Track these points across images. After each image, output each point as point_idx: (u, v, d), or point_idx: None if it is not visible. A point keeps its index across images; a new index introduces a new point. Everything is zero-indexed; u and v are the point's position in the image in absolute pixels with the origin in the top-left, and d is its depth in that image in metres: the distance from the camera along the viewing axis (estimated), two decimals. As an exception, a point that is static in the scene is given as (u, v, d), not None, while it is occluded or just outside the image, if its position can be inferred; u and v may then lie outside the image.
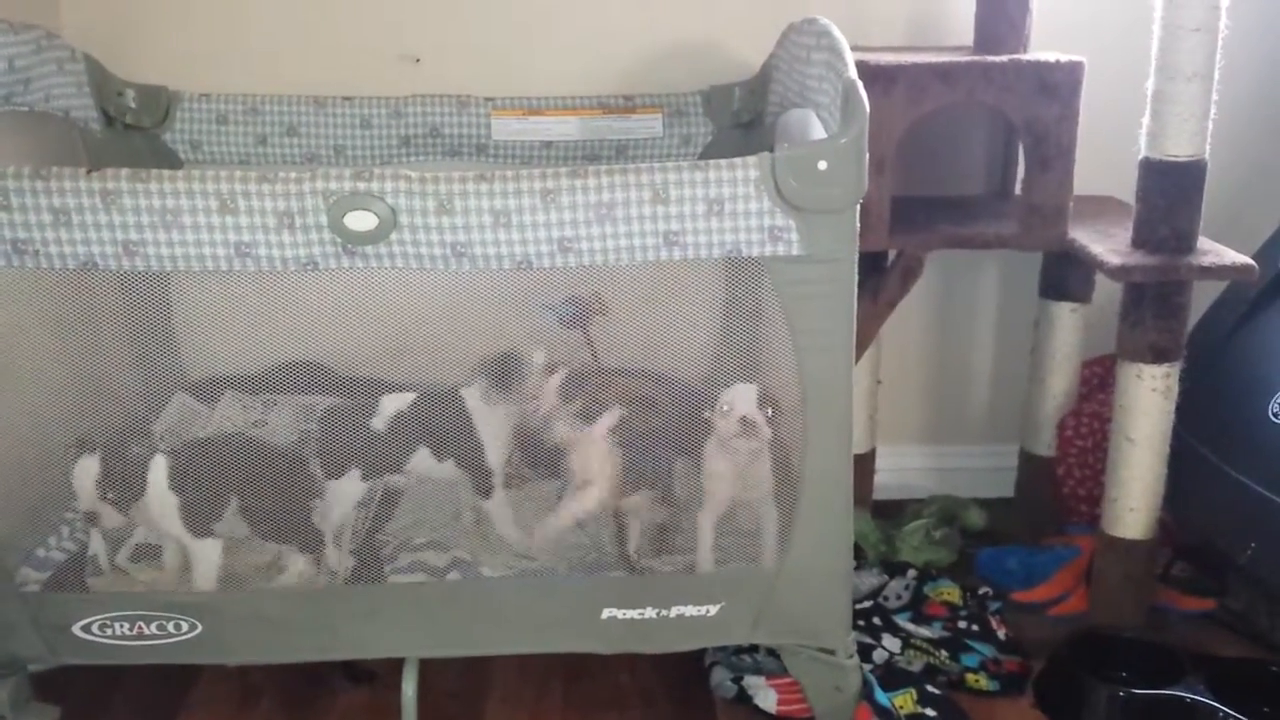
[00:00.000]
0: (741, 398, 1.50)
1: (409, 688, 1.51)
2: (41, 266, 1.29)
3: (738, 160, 1.26)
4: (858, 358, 1.91)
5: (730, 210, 1.27)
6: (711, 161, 1.26)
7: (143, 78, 1.93)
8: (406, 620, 1.49)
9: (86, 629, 1.44)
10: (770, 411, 1.49)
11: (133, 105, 1.91)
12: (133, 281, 1.43)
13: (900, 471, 2.25)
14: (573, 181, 1.25)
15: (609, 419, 1.55)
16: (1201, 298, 1.85)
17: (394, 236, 1.27)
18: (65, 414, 1.60)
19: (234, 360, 1.82)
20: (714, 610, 1.48)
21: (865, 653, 1.74)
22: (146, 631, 1.44)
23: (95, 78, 1.86)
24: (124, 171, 1.25)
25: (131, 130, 1.92)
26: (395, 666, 1.52)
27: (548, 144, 1.97)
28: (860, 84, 1.29)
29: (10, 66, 1.64)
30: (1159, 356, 1.71)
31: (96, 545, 1.55)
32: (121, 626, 1.44)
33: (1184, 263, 1.66)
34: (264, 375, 1.82)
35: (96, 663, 1.47)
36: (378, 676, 1.73)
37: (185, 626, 1.44)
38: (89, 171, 1.25)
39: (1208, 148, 1.65)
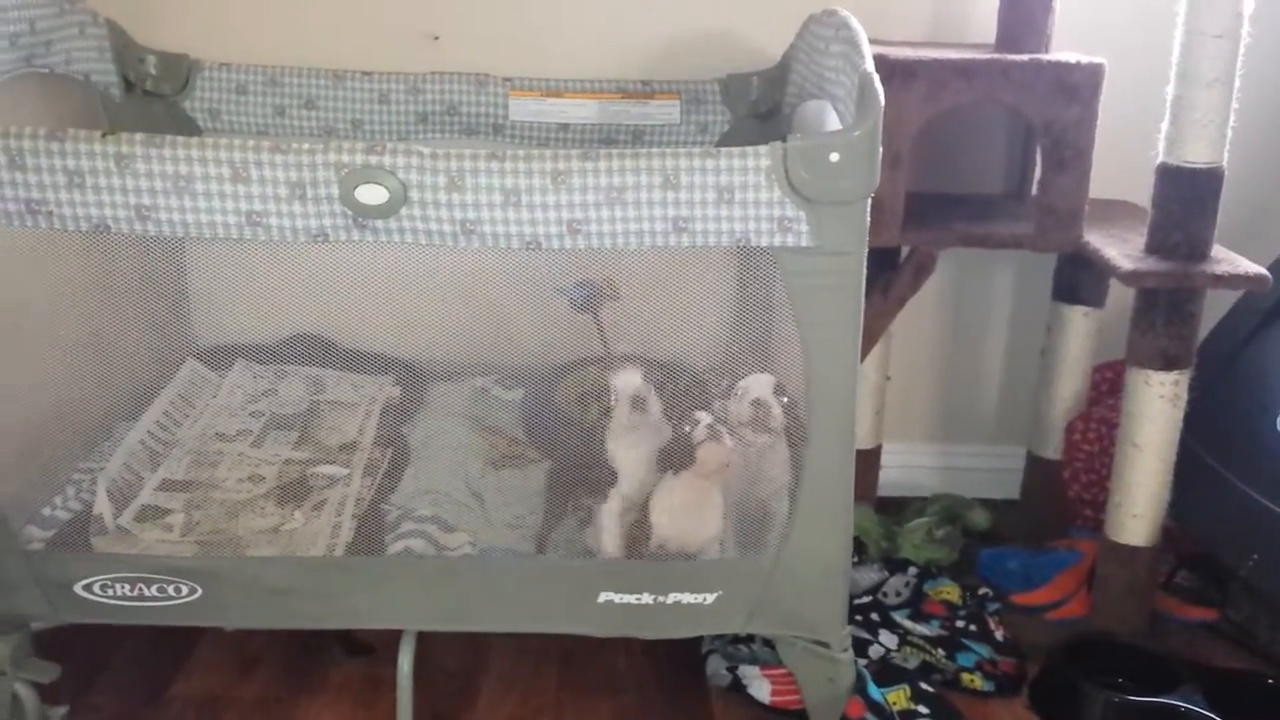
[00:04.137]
0: (757, 383, 1.52)
1: (405, 662, 1.51)
2: (55, 228, 1.29)
3: (749, 149, 1.25)
4: (866, 353, 1.91)
5: (740, 199, 1.27)
6: (723, 149, 1.26)
7: (164, 45, 1.93)
8: (405, 592, 1.50)
9: (88, 588, 1.45)
10: (785, 400, 1.49)
11: (153, 72, 1.92)
12: (147, 247, 1.44)
13: (905, 468, 2.25)
14: (583, 164, 1.25)
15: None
16: (1214, 307, 1.84)
17: (404, 211, 1.27)
18: (76, 377, 1.62)
19: (244, 329, 1.84)
20: (711, 598, 1.48)
21: (861, 648, 1.74)
22: (147, 593, 1.45)
23: (117, 43, 1.87)
24: (138, 136, 1.25)
25: (151, 97, 1.93)
26: (392, 641, 1.53)
27: (564, 126, 1.97)
28: (876, 77, 1.28)
29: (32, 28, 1.65)
30: (1169, 364, 1.71)
31: (101, 505, 1.56)
32: (122, 587, 1.45)
33: (1197, 270, 1.66)
34: (274, 345, 1.84)
35: (97, 622, 1.48)
36: (375, 650, 1.74)
37: (185, 590, 1.45)
38: (104, 134, 1.25)
39: (1226, 155, 1.64)
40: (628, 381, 1.56)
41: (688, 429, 1.49)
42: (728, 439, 1.49)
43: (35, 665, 1.50)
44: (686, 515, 1.52)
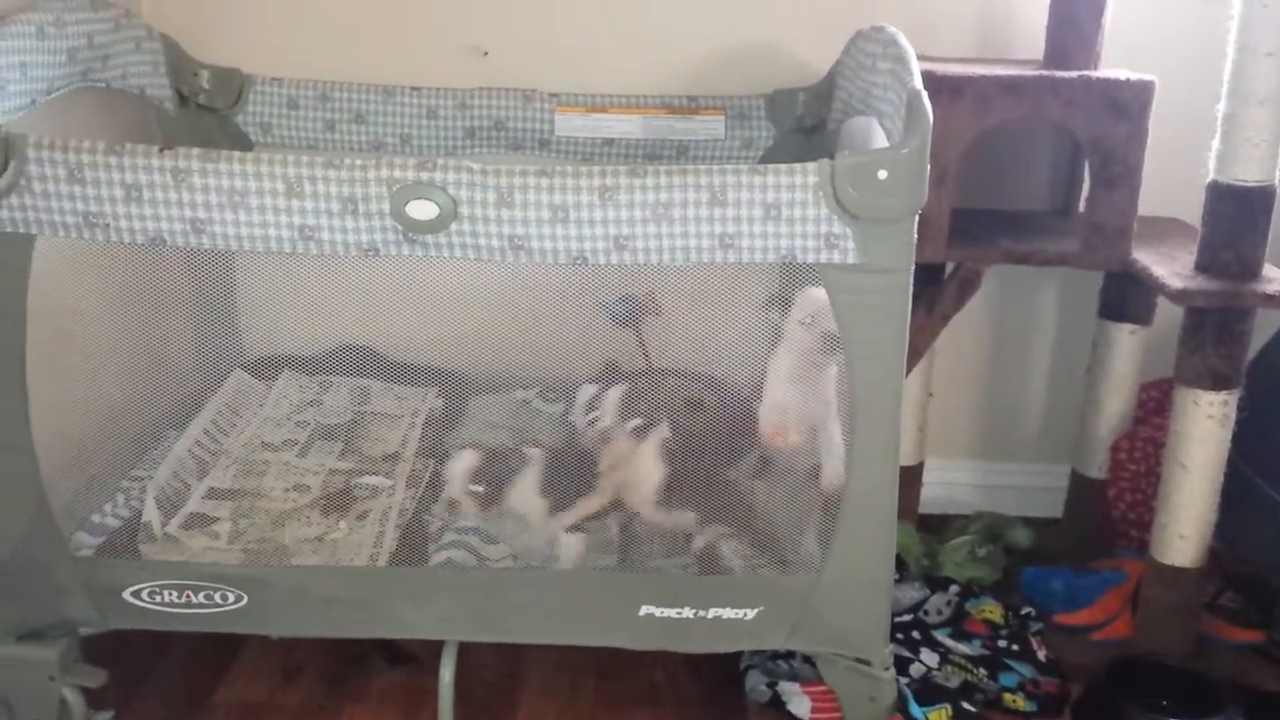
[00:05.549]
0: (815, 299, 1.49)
1: (446, 673, 1.52)
2: (111, 240, 1.31)
3: (796, 165, 1.26)
4: (910, 369, 1.90)
5: (787, 215, 1.27)
6: (770, 166, 1.26)
7: (217, 60, 1.96)
8: (448, 603, 1.50)
9: (136, 595, 1.47)
10: None
11: (207, 86, 1.95)
12: (199, 259, 1.46)
13: (948, 486, 2.23)
14: (631, 180, 1.26)
15: (657, 436, 1.57)
16: (1264, 326, 1.82)
17: (454, 227, 1.28)
18: (127, 386, 1.64)
19: (292, 341, 1.86)
20: (751, 614, 1.48)
21: (902, 666, 1.73)
22: (194, 600, 1.47)
23: (171, 58, 1.90)
24: (195, 151, 1.27)
25: (204, 111, 1.96)
26: (433, 651, 1.54)
27: (610, 141, 1.98)
28: (925, 94, 1.28)
29: (90, 43, 1.68)
30: (1217, 383, 1.69)
31: (150, 512, 1.59)
32: (170, 594, 1.47)
33: (1247, 289, 1.64)
34: (320, 357, 1.86)
35: (145, 628, 1.49)
36: (416, 660, 1.75)
37: (232, 597, 1.47)
38: (161, 150, 1.27)
39: (1278, 174, 1.63)
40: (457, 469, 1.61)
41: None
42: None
43: (83, 670, 1.52)
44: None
